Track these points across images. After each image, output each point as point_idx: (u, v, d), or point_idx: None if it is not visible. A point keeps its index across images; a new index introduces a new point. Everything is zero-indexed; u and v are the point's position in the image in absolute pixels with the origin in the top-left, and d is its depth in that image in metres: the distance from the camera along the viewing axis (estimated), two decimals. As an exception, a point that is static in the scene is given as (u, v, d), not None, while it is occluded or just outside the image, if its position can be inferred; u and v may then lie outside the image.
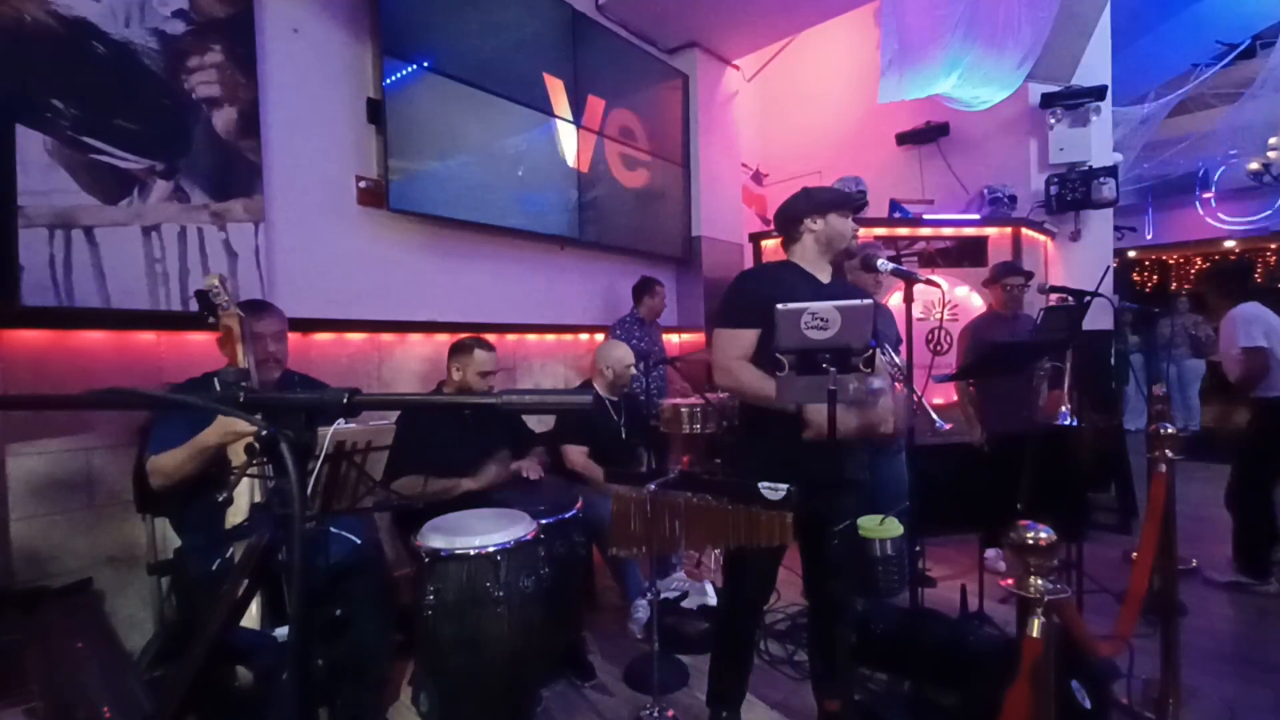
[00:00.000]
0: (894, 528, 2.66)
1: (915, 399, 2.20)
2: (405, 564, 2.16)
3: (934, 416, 2.31)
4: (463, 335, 2.55)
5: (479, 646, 1.75)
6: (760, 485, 1.56)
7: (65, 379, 1.99)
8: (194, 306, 2.27)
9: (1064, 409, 2.76)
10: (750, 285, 1.78)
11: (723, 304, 1.79)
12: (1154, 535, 1.88)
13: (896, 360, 2.15)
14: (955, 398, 3.39)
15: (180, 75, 2.28)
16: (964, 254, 4.07)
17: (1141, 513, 2.42)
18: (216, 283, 1.62)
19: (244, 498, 1.61)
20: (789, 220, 1.78)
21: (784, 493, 1.53)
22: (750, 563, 1.73)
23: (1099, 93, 4.38)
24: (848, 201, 1.76)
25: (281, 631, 1.52)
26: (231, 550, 1.67)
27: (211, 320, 1.68)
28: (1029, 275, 3.13)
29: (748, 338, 1.69)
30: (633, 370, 2.84)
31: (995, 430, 2.93)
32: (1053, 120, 4.48)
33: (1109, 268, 3.50)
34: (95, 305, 2.10)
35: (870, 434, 1.62)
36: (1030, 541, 1.10)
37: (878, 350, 1.88)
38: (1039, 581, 1.10)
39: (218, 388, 1.75)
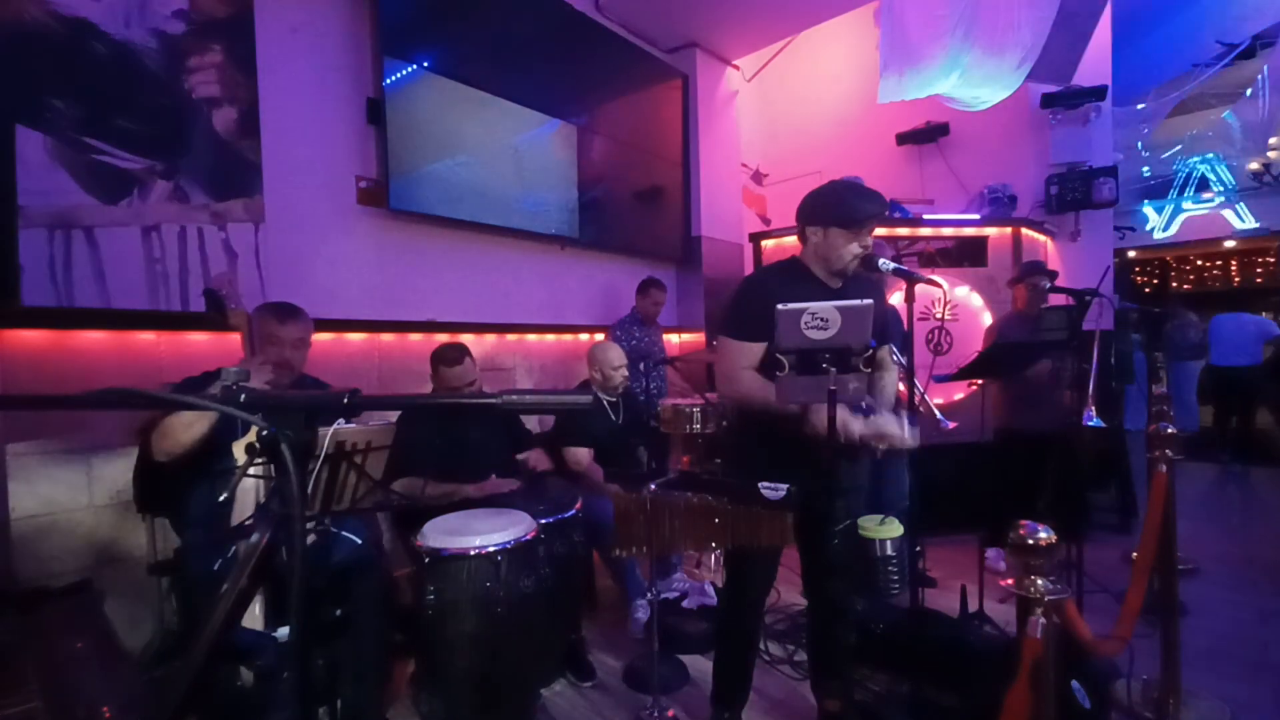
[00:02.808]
0: (894, 528, 2.66)
1: (919, 399, 2.19)
2: (405, 564, 2.16)
3: (938, 415, 2.31)
4: (441, 344, 2.48)
5: (479, 646, 1.75)
6: (760, 485, 1.56)
7: (65, 379, 1.99)
8: (195, 306, 2.29)
9: (1089, 409, 2.74)
10: (757, 295, 1.65)
11: (729, 312, 1.74)
12: (1154, 535, 1.88)
13: (902, 360, 2.14)
14: (956, 398, 3.40)
15: (180, 75, 2.28)
16: (964, 254, 4.07)
17: (1141, 513, 2.43)
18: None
19: (244, 497, 1.61)
20: (798, 219, 1.71)
21: (784, 493, 1.53)
22: (751, 561, 1.74)
23: (1099, 93, 4.37)
24: (850, 221, 1.59)
25: (283, 631, 1.52)
26: (232, 550, 1.67)
27: (219, 320, 1.68)
28: (1054, 275, 3.13)
29: (754, 351, 1.65)
30: (623, 372, 2.82)
31: (1018, 428, 2.93)
32: (1053, 120, 4.48)
33: (1109, 268, 3.50)
34: (95, 305, 2.10)
35: (878, 442, 1.57)
36: (1030, 541, 1.10)
37: (892, 352, 1.87)
38: (1039, 581, 1.10)
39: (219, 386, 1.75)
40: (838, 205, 1.61)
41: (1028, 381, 2.92)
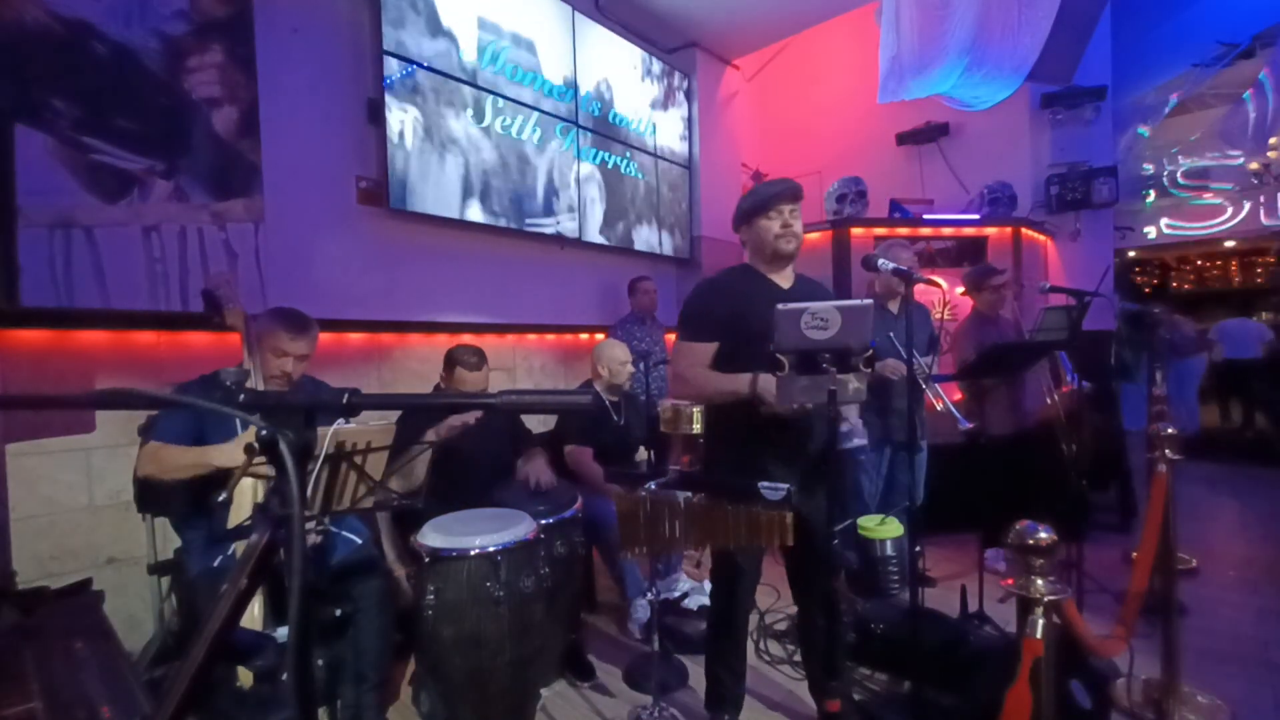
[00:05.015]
0: (894, 528, 2.67)
1: (939, 399, 2.19)
2: (405, 564, 2.16)
3: (957, 414, 2.31)
4: (457, 344, 2.47)
5: (479, 646, 1.75)
6: (760, 485, 1.56)
7: (65, 379, 1.99)
8: (194, 306, 2.29)
9: (1052, 399, 2.77)
10: (707, 299, 1.77)
11: (682, 316, 1.81)
12: (1154, 535, 1.88)
13: (922, 361, 2.16)
14: (955, 398, 3.39)
15: (180, 75, 2.28)
16: (964, 254, 4.07)
17: (1141, 513, 2.43)
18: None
19: (245, 496, 1.61)
20: (734, 231, 1.83)
21: (784, 493, 1.53)
22: (739, 563, 1.75)
23: (1099, 93, 4.38)
24: (763, 206, 1.70)
25: (282, 631, 1.52)
26: (232, 549, 1.67)
27: (216, 320, 1.67)
28: (1003, 271, 3.14)
29: (705, 351, 1.72)
30: (630, 369, 2.83)
31: (1001, 429, 2.93)
32: (1053, 120, 4.49)
33: (1109, 268, 3.50)
34: (95, 305, 2.10)
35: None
36: (1030, 541, 1.10)
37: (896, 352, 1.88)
38: (1039, 581, 1.10)
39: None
40: (750, 198, 1.75)
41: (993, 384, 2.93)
